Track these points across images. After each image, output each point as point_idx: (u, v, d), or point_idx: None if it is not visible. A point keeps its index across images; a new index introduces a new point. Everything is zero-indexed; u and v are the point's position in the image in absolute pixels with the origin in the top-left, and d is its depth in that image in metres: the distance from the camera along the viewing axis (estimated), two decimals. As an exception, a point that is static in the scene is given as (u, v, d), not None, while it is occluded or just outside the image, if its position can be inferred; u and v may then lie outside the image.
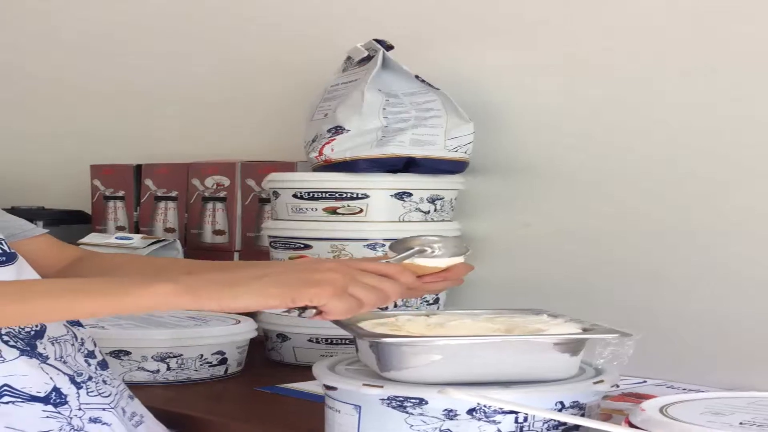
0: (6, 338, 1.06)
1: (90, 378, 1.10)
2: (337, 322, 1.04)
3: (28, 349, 1.06)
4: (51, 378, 1.06)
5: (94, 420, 1.07)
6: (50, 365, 1.07)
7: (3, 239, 1.14)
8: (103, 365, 1.16)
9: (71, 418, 1.05)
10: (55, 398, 1.05)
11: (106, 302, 0.93)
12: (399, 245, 1.08)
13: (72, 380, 1.07)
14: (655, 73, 1.45)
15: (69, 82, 2.29)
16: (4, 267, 1.11)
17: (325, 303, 0.92)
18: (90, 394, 1.08)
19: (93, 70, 2.24)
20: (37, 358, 1.07)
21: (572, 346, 0.99)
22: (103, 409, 1.08)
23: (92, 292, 0.94)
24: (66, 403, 1.06)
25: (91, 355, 1.15)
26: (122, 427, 1.08)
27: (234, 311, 1.10)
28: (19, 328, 1.07)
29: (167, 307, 0.93)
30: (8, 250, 1.13)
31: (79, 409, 1.06)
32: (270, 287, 0.91)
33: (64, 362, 1.09)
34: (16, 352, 1.05)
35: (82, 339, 1.15)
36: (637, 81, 1.47)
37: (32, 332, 1.08)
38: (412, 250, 1.05)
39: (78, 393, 1.07)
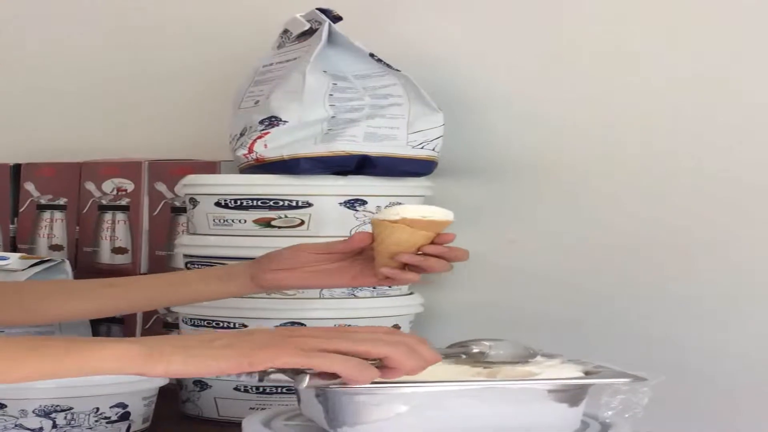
0: None
1: None
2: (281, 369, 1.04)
3: None
4: None
5: None
6: None
7: None
8: None
9: None
10: None
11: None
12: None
13: None
14: (659, 51, 1.48)
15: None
16: None
17: (285, 363, 0.97)
18: None
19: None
20: None
21: (572, 394, 1.01)
22: None
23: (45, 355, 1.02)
24: None
25: None
26: None
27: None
28: None
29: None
30: None
31: None
32: (223, 349, 0.98)
33: None
34: None
35: None
36: (640, 60, 1.49)
37: None
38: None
39: None
